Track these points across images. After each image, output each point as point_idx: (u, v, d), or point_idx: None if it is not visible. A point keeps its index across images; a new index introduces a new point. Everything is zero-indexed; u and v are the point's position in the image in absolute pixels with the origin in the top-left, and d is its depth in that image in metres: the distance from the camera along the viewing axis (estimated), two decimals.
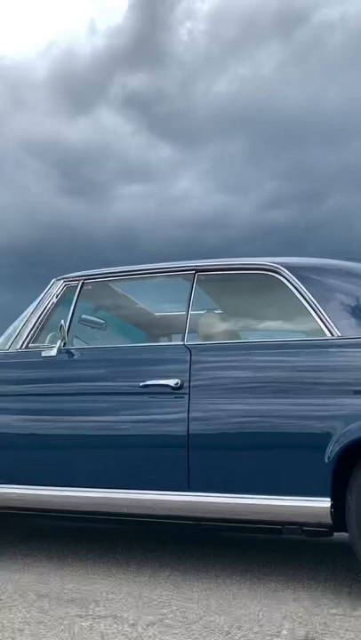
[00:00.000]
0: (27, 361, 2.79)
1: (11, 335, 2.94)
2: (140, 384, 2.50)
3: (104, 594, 2.27)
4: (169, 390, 2.45)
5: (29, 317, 2.90)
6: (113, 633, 1.87)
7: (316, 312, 2.42)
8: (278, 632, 1.88)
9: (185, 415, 2.41)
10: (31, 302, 2.99)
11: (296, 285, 2.48)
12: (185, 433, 2.39)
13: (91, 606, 2.13)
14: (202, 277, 2.78)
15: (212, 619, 2.00)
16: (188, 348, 2.54)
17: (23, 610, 2.09)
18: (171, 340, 3.71)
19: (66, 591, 2.31)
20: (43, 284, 3.03)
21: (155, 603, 2.17)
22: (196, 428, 2.39)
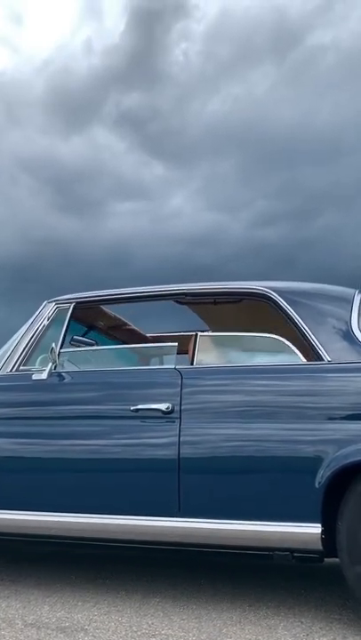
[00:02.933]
0: (17, 384, 2.78)
1: (1, 357, 2.93)
2: (131, 408, 2.50)
3: (93, 622, 2.25)
4: (160, 414, 2.45)
5: (20, 339, 2.89)
6: None
7: (306, 337, 2.44)
8: None
9: (176, 439, 2.40)
10: (26, 318, 2.99)
11: (287, 310, 2.50)
12: (176, 457, 2.38)
13: (79, 635, 2.10)
14: (193, 301, 2.79)
15: None
16: (179, 371, 2.55)
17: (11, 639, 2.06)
18: (162, 362, 3.72)
19: (54, 619, 2.28)
20: (38, 299, 3.03)
21: (144, 631, 2.15)
22: (186, 452, 2.38)
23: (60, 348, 2.78)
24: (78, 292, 3.00)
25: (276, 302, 2.54)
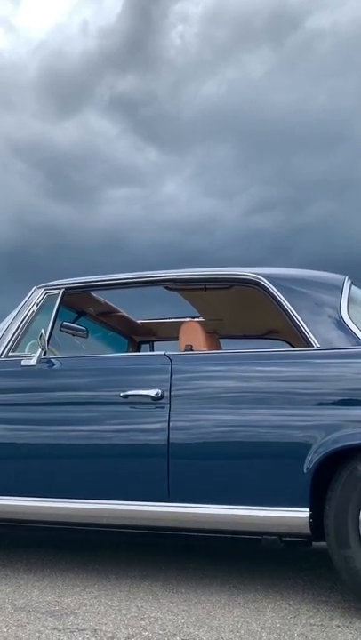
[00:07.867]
0: (6, 370, 2.76)
1: None
2: (121, 394, 2.49)
3: (83, 606, 2.26)
4: (150, 400, 2.45)
5: (9, 326, 2.87)
6: None
7: (296, 323, 2.44)
8: None
9: (165, 425, 2.41)
10: (16, 306, 2.95)
11: (276, 296, 2.50)
12: (165, 443, 2.39)
13: (69, 619, 2.12)
14: (183, 287, 2.78)
15: (191, 630, 2.00)
16: (169, 357, 2.54)
17: (0, 623, 2.06)
18: (153, 348, 3.72)
19: (44, 603, 2.29)
20: (29, 285, 2.98)
21: (134, 614, 2.17)
22: (176, 438, 2.39)
23: (50, 334, 2.77)
24: (70, 277, 2.97)
25: (265, 288, 2.54)
